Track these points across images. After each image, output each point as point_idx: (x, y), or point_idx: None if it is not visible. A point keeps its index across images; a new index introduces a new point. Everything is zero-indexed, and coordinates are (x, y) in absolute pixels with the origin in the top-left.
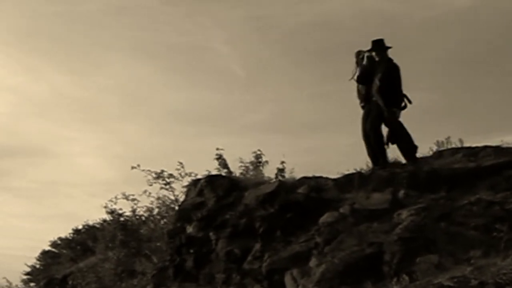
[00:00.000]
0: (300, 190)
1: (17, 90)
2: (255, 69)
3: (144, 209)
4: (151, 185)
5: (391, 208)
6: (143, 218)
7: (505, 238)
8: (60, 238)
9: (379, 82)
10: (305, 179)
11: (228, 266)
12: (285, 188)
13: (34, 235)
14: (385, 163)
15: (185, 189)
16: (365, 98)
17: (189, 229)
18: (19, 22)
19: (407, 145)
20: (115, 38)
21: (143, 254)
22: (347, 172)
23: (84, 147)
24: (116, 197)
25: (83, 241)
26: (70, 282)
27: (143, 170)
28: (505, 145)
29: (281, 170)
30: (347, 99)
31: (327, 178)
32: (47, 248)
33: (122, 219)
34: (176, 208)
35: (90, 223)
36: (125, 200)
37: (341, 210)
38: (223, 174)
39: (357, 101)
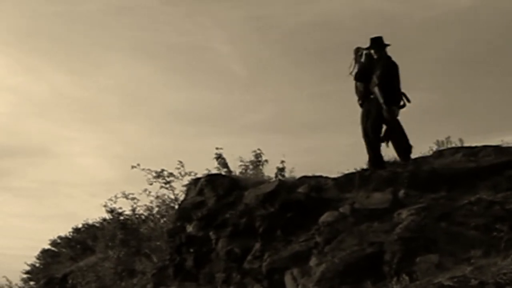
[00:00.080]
0: (300, 190)
1: (17, 90)
2: (255, 69)
3: (144, 208)
4: (151, 184)
5: (391, 207)
6: (143, 217)
7: (505, 238)
8: (60, 237)
9: (378, 80)
10: (305, 178)
11: (228, 266)
12: (285, 187)
13: (34, 235)
14: (380, 163)
15: (185, 188)
16: (363, 96)
17: (189, 228)
18: (19, 22)
19: (403, 145)
20: (115, 38)
21: (143, 253)
22: (347, 172)
23: (84, 147)
24: (116, 196)
25: (83, 240)
26: (70, 281)
27: (143, 170)
28: (505, 145)
29: (281, 170)
30: (347, 99)
31: (327, 178)
32: (47, 247)
33: (122, 218)
34: (176, 207)
35: (90, 222)
36: (125, 199)
37: (341, 210)
38: (223, 173)
39: (356, 98)
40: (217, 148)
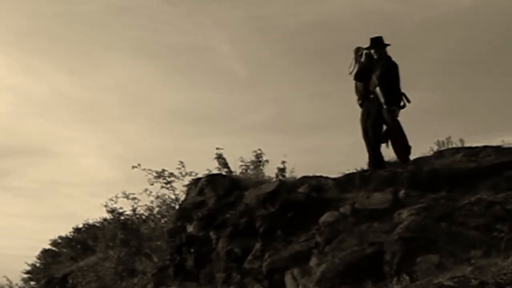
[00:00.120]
0: (300, 190)
1: (17, 90)
2: (255, 69)
3: (145, 208)
4: (152, 184)
5: (391, 208)
6: (144, 217)
7: (505, 238)
8: (60, 237)
9: (377, 80)
10: (305, 178)
11: (229, 266)
12: (285, 187)
13: (35, 235)
14: (380, 163)
15: (185, 188)
16: (363, 96)
17: (190, 228)
18: (19, 22)
19: (402, 145)
20: (115, 38)
21: (144, 253)
22: (347, 172)
23: (84, 147)
24: (116, 196)
25: (83, 240)
26: (70, 281)
27: (144, 170)
28: (505, 145)
29: (281, 170)
30: (347, 99)
31: (327, 178)
32: (48, 247)
33: (122, 218)
34: (177, 207)
35: (91, 222)
36: (125, 199)
37: (342, 210)
38: (224, 173)
39: (356, 98)
40: (217, 148)
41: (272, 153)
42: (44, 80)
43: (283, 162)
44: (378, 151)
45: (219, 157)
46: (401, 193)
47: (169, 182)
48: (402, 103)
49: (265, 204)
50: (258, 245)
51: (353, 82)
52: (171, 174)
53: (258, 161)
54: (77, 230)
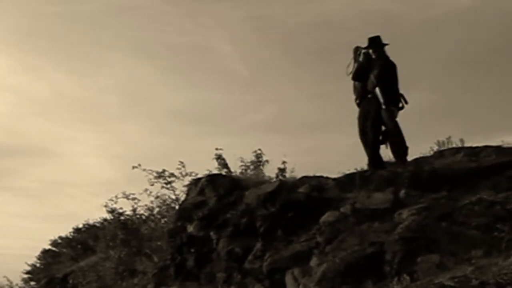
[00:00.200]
0: (301, 190)
1: (18, 90)
2: (255, 69)
3: (145, 208)
4: (152, 184)
5: (392, 207)
6: (144, 217)
7: (506, 238)
8: (60, 237)
9: (376, 79)
10: (306, 178)
11: (229, 265)
12: (286, 187)
13: (35, 235)
14: (379, 163)
15: (186, 188)
16: (360, 95)
17: (190, 228)
18: (19, 22)
19: (400, 146)
20: (115, 38)
21: (144, 253)
22: (348, 172)
23: (85, 147)
24: (116, 196)
25: (83, 240)
26: (70, 281)
27: (144, 170)
28: (506, 145)
29: (282, 170)
30: (347, 99)
31: (328, 178)
32: (48, 247)
33: (122, 218)
34: (177, 207)
35: (91, 222)
36: (125, 199)
37: (342, 210)
38: (224, 173)
39: (354, 97)
40: (216, 149)
41: (272, 153)
42: (44, 80)
43: (283, 162)
44: (377, 151)
45: (219, 158)
46: (402, 193)
47: (169, 182)
48: (400, 105)
49: (265, 204)
50: (258, 245)
51: (352, 82)
52: (172, 174)
53: (258, 161)
54: (77, 230)
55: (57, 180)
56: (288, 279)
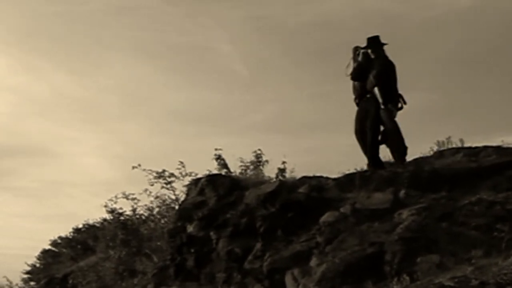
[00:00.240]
0: (301, 190)
1: (18, 90)
2: (256, 69)
3: (145, 208)
4: (152, 184)
5: (392, 207)
6: (144, 217)
7: (506, 238)
8: (60, 237)
9: (375, 79)
10: (306, 178)
11: (229, 266)
12: (286, 187)
13: (35, 235)
14: (379, 163)
15: (186, 189)
16: (359, 95)
17: (190, 228)
18: (19, 22)
19: (399, 146)
20: (115, 38)
21: (144, 253)
22: (347, 172)
23: (85, 147)
24: (116, 197)
25: (83, 240)
26: (70, 281)
27: (144, 170)
28: (506, 145)
29: (282, 170)
30: (347, 99)
31: (328, 178)
32: (48, 247)
33: (122, 218)
34: (177, 207)
35: (91, 222)
36: (125, 200)
37: (342, 210)
38: (224, 173)
39: (353, 96)
40: (216, 149)
41: (272, 153)
42: (44, 80)
43: (283, 162)
44: (376, 151)
45: (218, 158)
46: (402, 193)
47: (169, 183)
48: (399, 105)
49: (265, 204)
50: (258, 245)
51: (351, 81)
52: (171, 175)
53: (258, 161)
54: (77, 230)
55: (57, 180)
56: (288, 279)
